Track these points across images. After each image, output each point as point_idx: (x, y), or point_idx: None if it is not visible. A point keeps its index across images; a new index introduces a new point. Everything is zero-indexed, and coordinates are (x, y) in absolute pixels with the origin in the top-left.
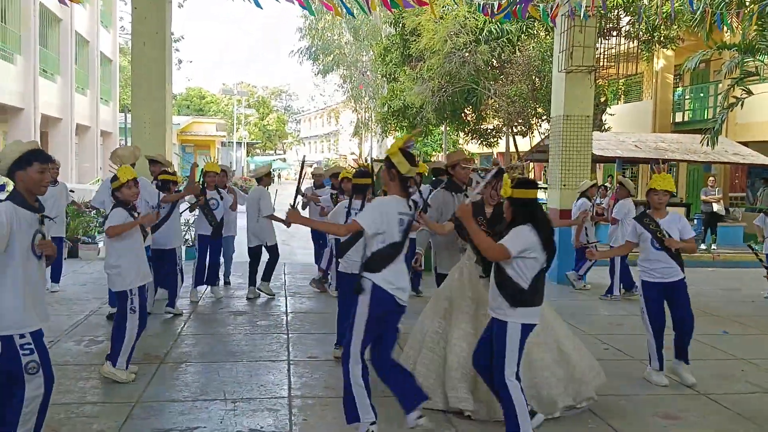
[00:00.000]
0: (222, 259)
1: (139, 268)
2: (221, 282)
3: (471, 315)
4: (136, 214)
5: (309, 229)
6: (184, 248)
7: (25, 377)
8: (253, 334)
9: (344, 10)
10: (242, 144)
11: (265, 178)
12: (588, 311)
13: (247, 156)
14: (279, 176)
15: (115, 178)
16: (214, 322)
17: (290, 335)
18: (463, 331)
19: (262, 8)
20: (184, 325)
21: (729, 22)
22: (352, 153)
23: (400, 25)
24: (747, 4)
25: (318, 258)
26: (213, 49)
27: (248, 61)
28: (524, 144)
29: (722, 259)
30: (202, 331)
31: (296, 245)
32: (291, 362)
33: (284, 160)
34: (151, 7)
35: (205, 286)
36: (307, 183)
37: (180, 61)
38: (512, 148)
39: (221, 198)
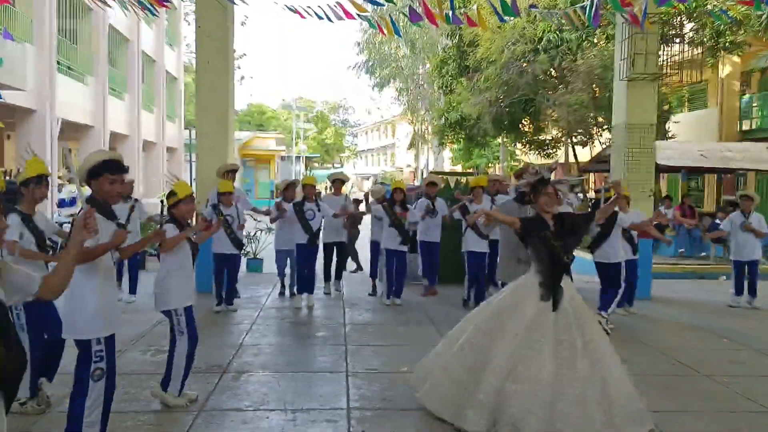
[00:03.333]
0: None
1: (185, 287)
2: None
3: (510, 349)
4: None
5: (370, 243)
6: (245, 259)
7: (89, 384)
8: (312, 345)
9: (393, 28)
10: (301, 158)
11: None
12: (654, 326)
13: (306, 169)
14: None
15: (172, 193)
16: (275, 332)
17: (348, 347)
18: (499, 367)
19: (332, 21)
20: (246, 335)
21: None
22: (408, 165)
23: (457, 36)
24: None
25: (374, 271)
26: (274, 65)
27: (307, 75)
28: (584, 154)
29: None
30: (264, 341)
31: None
32: (349, 374)
33: (342, 173)
34: (215, 26)
35: (304, 293)
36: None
37: (242, 78)
38: (572, 159)
39: (318, 209)
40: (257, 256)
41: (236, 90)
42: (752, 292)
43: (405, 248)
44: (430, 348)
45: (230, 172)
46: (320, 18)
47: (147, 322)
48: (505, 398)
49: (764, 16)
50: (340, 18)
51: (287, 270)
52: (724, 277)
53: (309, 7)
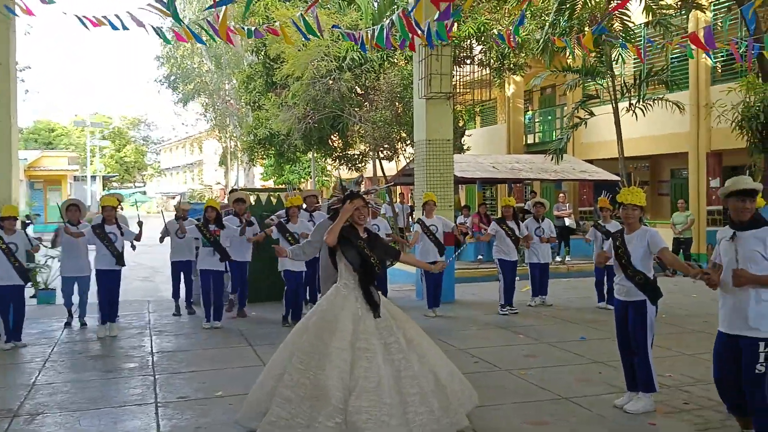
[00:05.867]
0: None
1: None
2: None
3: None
4: None
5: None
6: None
7: None
8: (117, 378)
9: (195, 37)
10: (97, 177)
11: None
12: (458, 327)
13: (104, 190)
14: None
15: None
16: (73, 367)
17: (157, 376)
18: (336, 388)
19: (128, 29)
20: (39, 373)
21: (572, 47)
22: (218, 183)
23: (263, 52)
24: (585, 31)
25: (189, 294)
26: (63, 78)
27: (104, 90)
28: (391, 168)
29: (576, 270)
30: (60, 378)
31: (160, 281)
32: (159, 404)
33: (144, 192)
34: None
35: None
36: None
37: (27, 91)
38: (379, 173)
39: (121, 232)
40: (48, 287)
41: (20, 105)
42: (543, 291)
43: (222, 267)
44: (248, 369)
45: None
46: (115, 28)
47: None
48: (356, 416)
49: (541, 40)
50: (140, 25)
51: (75, 299)
52: (528, 287)
53: (104, 16)
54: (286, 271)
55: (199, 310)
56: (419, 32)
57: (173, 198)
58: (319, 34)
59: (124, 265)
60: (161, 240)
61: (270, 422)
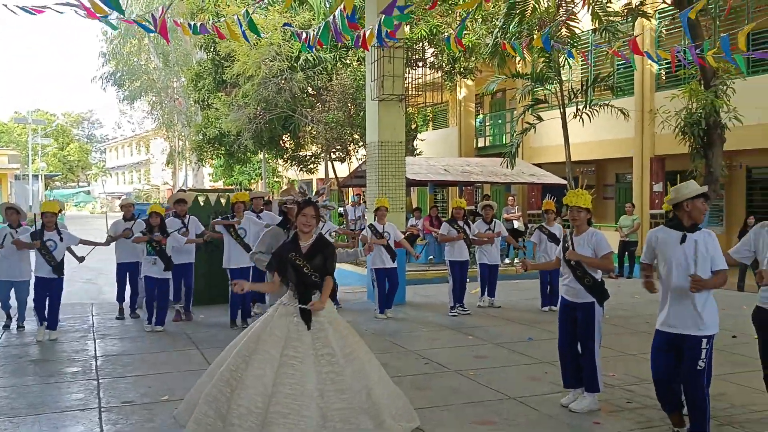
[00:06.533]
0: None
1: None
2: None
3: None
4: None
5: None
6: None
7: None
8: (59, 383)
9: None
10: (39, 176)
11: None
12: (408, 329)
13: (46, 189)
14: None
15: None
16: (11, 372)
17: (101, 380)
18: (255, 390)
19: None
20: None
21: (522, 52)
22: (165, 183)
23: (212, 50)
24: (535, 37)
25: (134, 298)
26: (2, 74)
27: (44, 87)
28: (343, 170)
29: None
30: None
31: (104, 283)
32: (103, 409)
33: (88, 192)
34: None
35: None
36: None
37: None
38: (331, 174)
39: (60, 238)
40: None
41: None
42: (492, 292)
43: (167, 275)
44: (195, 373)
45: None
46: (61, 13)
47: None
48: (272, 420)
49: (491, 45)
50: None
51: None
52: (477, 289)
53: (45, 6)
54: (231, 270)
55: (142, 313)
56: (365, 30)
57: (119, 198)
58: (260, 34)
59: (62, 276)
60: (108, 243)
61: (196, 420)
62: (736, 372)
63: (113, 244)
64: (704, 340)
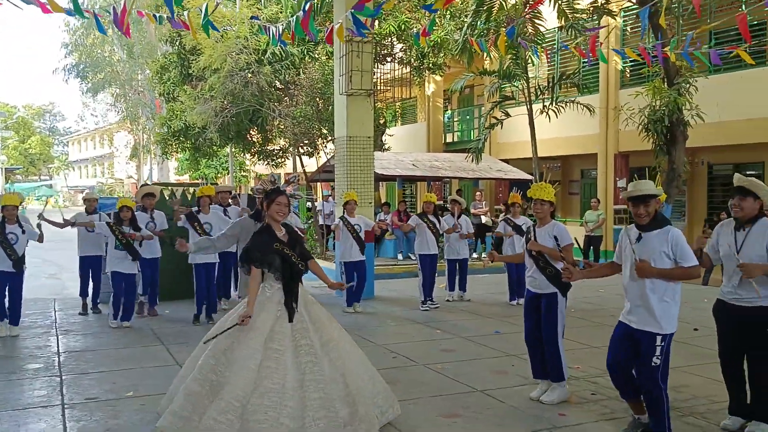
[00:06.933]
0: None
1: None
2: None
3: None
4: None
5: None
6: None
7: None
8: (20, 380)
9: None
10: (0, 170)
11: None
12: (377, 323)
13: (6, 183)
14: (46, 203)
15: None
16: None
17: (64, 377)
18: (239, 385)
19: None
20: None
21: (488, 49)
22: (130, 177)
23: (178, 42)
24: (503, 34)
25: (97, 293)
26: None
27: (4, 78)
28: (311, 164)
29: (492, 266)
30: None
31: (67, 278)
32: (66, 406)
33: (50, 186)
34: None
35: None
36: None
37: None
38: (299, 169)
39: (22, 231)
40: None
41: None
42: (462, 287)
43: (134, 270)
44: (161, 368)
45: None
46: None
47: None
48: (252, 415)
49: (460, 41)
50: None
51: None
52: (445, 284)
53: None
54: (196, 265)
55: (105, 308)
56: (333, 24)
57: (82, 192)
58: (217, 29)
59: (21, 271)
60: (64, 226)
61: (172, 412)
62: (698, 364)
63: (76, 238)
64: (659, 338)
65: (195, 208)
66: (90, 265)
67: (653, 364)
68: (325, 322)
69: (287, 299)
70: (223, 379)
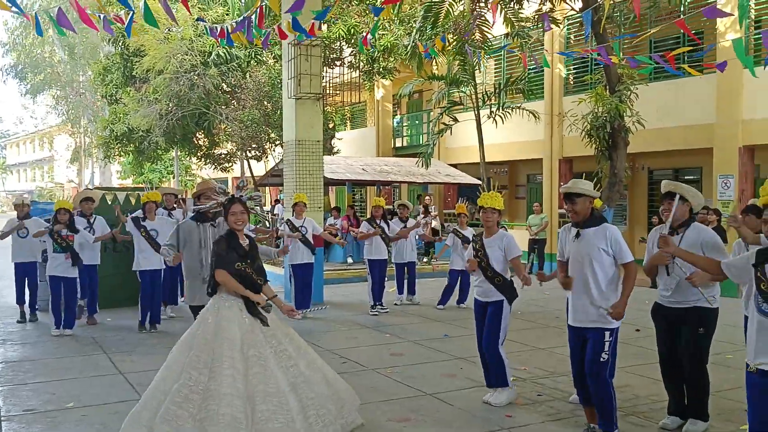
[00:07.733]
0: None
1: None
2: None
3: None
4: None
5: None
6: None
7: None
8: None
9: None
10: None
11: None
12: (326, 328)
13: None
14: None
15: None
16: None
17: (1, 388)
18: (231, 396)
19: None
20: None
21: (437, 54)
22: (71, 181)
23: (121, 43)
24: (450, 40)
25: (34, 300)
26: None
27: None
28: (260, 168)
29: (440, 270)
30: None
31: (3, 285)
32: (3, 419)
33: None
34: None
35: None
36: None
37: None
38: (247, 173)
39: None
40: None
41: None
42: (411, 290)
43: (75, 273)
44: (103, 378)
45: None
46: None
47: None
48: (265, 424)
49: (409, 46)
50: None
51: None
52: (394, 288)
53: None
54: (141, 272)
55: (43, 316)
56: (279, 25)
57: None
58: (157, 25)
59: None
60: (2, 237)
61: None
62: (639, 364)
63: (9, 244)
64: (607, 333)
65: (141, 214)
66: (24, 272)
67: (602, 360)
68: (287, 329)
69: (251, 308)
70: (210, 395)
